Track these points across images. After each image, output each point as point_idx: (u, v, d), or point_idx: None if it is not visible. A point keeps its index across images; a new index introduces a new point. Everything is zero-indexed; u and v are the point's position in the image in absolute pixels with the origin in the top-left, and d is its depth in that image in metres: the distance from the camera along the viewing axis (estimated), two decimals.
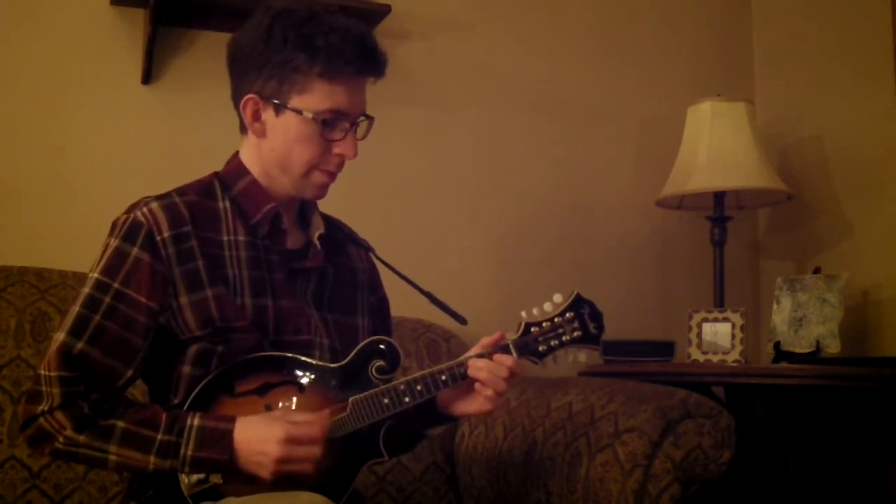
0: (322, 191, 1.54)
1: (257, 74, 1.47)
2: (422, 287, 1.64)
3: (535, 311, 1.56)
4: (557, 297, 1.57)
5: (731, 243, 2.74)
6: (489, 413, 1.54)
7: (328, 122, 1.48)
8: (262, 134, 1.51)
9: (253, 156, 1.54)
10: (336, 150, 1.49)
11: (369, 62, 1.49)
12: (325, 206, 1.63)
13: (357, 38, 1.46)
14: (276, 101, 1.47)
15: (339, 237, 1.66)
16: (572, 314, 1.56)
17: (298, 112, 1.46)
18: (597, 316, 1.58)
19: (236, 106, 1.53)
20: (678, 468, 1.69)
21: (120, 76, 2.34)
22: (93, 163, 2.31)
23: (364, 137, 1.54)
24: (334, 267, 1.60)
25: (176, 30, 2.39)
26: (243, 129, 1.55)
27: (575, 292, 1.58)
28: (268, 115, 1.49)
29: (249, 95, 1.48)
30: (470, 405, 1.54)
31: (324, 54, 1.44)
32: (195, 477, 1.37)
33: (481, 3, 2.78)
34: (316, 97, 1.46)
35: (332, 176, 1.53)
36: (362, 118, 1.52)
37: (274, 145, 1.50)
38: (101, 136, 2.32)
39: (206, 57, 2.40)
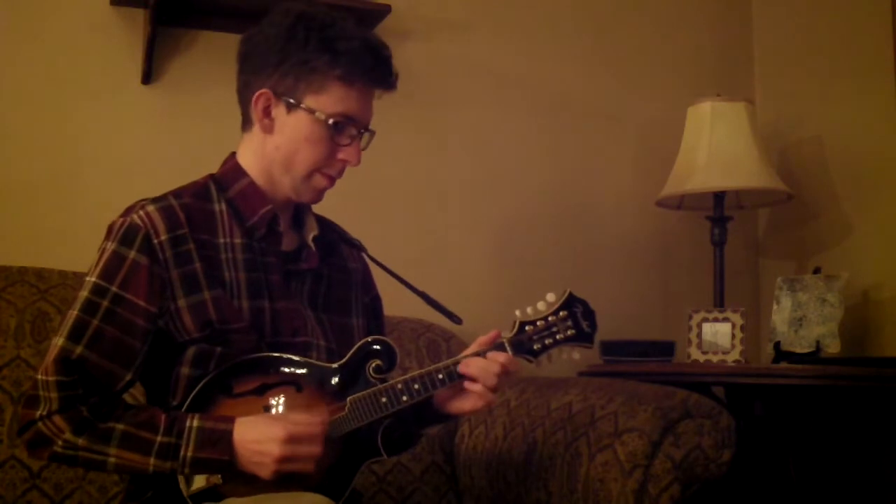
0: (319, 195, 1.56)
1: (273, 70, 1.48)
2: (416, 287, 1.65)
3: (529, 309, 1.57)
4: (550, 296, 1.58)
5: (731, 243, 2.74)
6: (483, 409, 1.55)
7: (338, 126, 1.49)
8: (269, 130, 1.51)
9: (255, 154, 1.54)
10: (340, 155, 1.51)
11: (384, 74, 1.52)
12: (324, 206, 1.63)
13: (376, 48, 1.50)
14: (289, 100, 1.48)
15: (332, 238, 1.66)
16: (565, 313, 1.57)
17: (311, 112, 1.48)
18: (589, 314, 1.59)
19: (244, 101, 1.53)
20: (678, 468, 1.68)
21: (120, 76, 2.34)
22: (93, 163, 2.31)
23: (364, 149, 1.55)
24: (328, 268, 1.61)
25: (176, 30, 2.39)
26: (246, 126, 1.55)
27: (567, 291, 1.59)
28: (279, 111, 1.50)
29: (262, 90, 1.49)
30: (465, 403, 1.54)
31: (346, 59, 1.46)
32: (196, 485, 1.37)
33: (481, 3, 2.78)
34: (331, 99, 1.48)
35: (332, 181, 1.54)
36: (364, 130, 1.54)
37: (280, 143, 1.51)
38: (101, 137, 2.32)
39: (206, 57, 2.40)
